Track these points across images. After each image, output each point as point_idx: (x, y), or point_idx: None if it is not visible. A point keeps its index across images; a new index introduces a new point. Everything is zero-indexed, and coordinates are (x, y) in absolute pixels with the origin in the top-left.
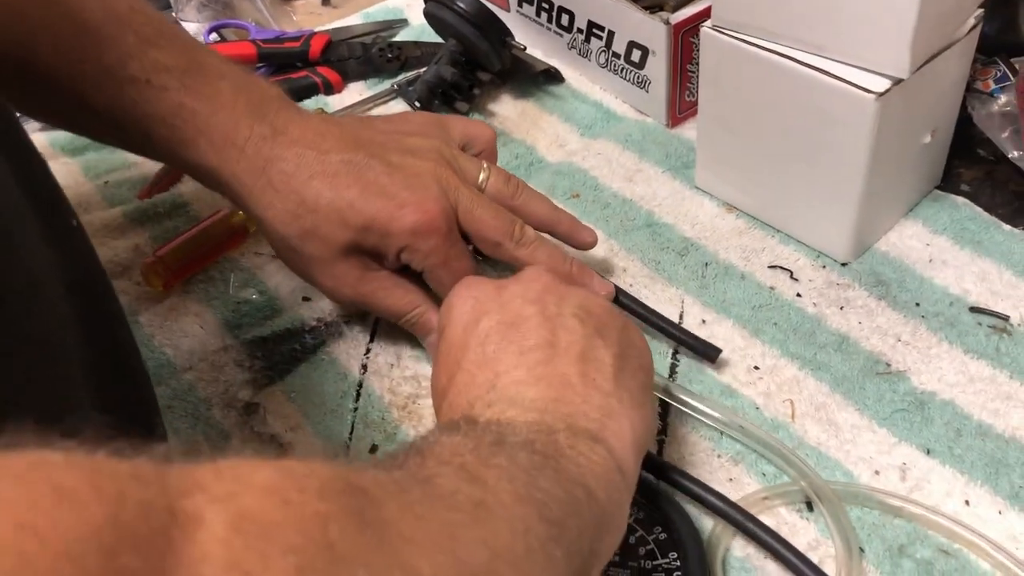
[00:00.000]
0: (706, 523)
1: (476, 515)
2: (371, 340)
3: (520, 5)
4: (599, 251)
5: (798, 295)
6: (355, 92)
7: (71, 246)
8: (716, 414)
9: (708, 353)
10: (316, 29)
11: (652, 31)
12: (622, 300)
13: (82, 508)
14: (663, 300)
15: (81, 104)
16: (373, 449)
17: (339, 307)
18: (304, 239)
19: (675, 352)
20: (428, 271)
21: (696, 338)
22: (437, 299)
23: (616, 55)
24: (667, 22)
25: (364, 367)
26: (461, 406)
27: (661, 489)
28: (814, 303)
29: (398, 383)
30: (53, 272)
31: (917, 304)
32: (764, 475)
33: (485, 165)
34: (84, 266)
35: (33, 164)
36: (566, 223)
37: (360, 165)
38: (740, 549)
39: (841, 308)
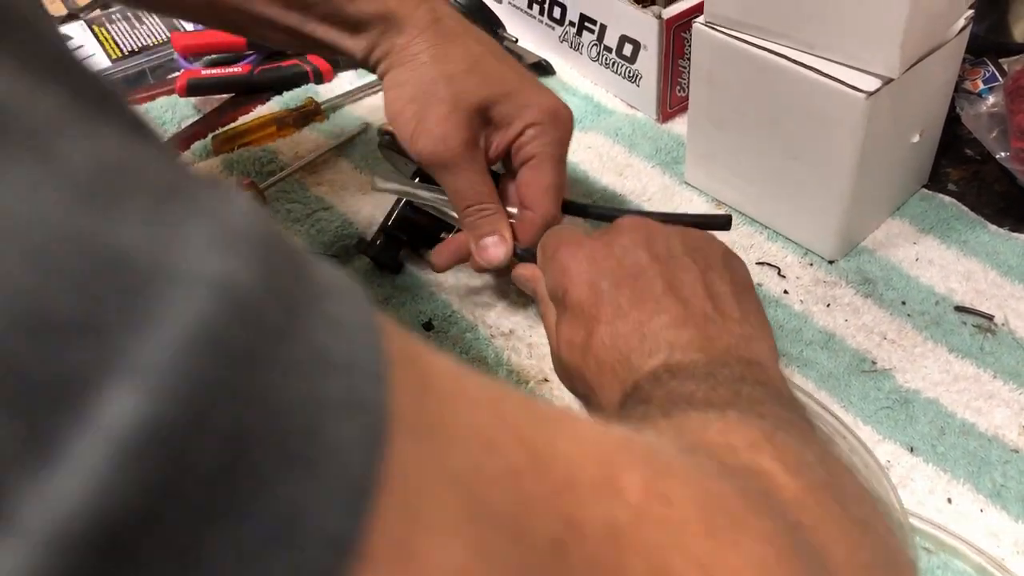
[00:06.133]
0: None
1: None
2: None
3: None
4: None
5: (785, 292)
6: (345, 81)
7: None
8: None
9: (720, 223)
10: None
11: (644, 25)
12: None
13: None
14: None
15: None
16: None
17: None
18: (449, 83)
19: None
20: (542, 159)
21: (702, 215)
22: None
23: (608, 49)
24: (659, 17)
25: None
26: (613, 360)
27: None
28: (801, 300)
29: None
30: None
31: (903, 303)
32: None
33: None
34: None
35: None
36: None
37: (510, 57)
38: None
39: (828, 306)
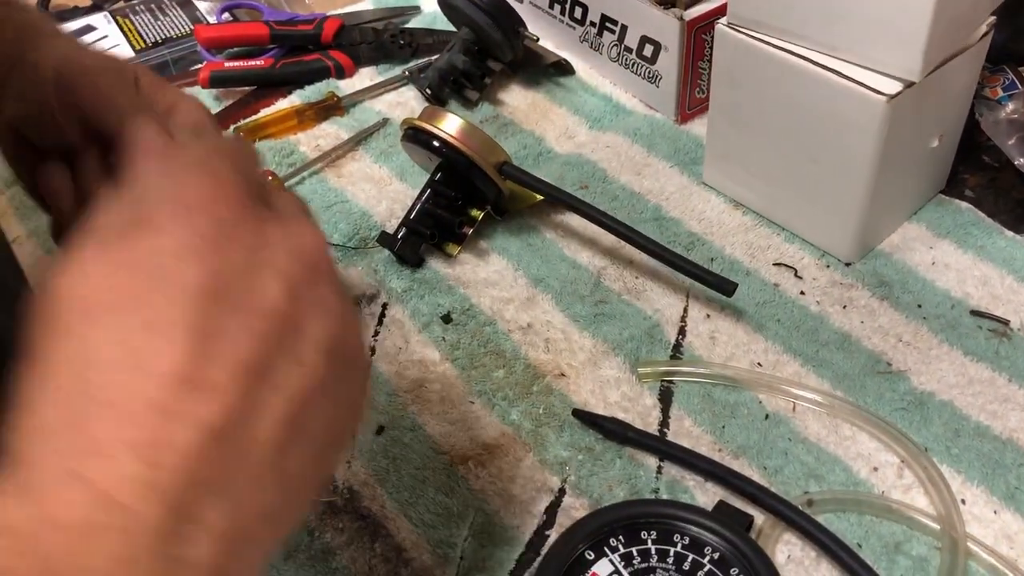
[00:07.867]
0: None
1: None
2: (379, 323)
3: None
4: (606, 240)
5: (802, 293)
6: (366, 77)
7: None
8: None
9: (724, 287)
10: (329, 13)
11: (665, 26)
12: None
13: None
14: (668, 292)
15: None
16: (380, 431)
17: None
18: None
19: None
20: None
21: (709, 272)
22: None
23: (628, 49)
24: (681, 18)
25: (372, 349)
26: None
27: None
28: (817, 301)
29: (406, 367)
30: None
31: (919, 306)
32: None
33: None
34: None
35: None
36: None
37: None
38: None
39: (844, 307)
